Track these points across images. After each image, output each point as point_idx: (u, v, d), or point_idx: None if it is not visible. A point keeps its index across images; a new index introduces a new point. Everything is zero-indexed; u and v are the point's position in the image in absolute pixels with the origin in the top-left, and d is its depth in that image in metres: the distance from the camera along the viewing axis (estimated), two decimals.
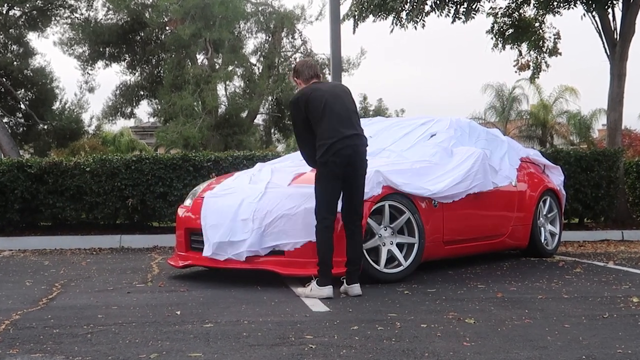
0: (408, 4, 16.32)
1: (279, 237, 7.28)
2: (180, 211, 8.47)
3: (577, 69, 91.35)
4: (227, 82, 33.69)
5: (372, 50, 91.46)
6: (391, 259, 7.63)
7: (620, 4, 15.52)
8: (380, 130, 9.80)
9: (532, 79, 18.51)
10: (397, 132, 9.61)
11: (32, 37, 31.64)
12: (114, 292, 6.95)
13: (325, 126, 6.80)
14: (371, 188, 7.37)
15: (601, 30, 15.76)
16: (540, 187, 10.10)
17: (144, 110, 39.32)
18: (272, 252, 7.35)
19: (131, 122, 43.75)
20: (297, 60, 7.23)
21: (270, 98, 35.97)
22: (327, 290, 6.59)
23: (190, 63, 32.62)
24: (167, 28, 31.74)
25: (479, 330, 5.02)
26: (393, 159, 8.69)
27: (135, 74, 33.92)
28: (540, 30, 17.31)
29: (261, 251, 7.33)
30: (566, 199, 11.68)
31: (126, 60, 33.29)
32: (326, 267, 6.65)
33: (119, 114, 34.45)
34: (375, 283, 7.30)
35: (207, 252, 7.58)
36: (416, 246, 7.76)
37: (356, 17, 16.49)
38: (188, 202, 8.41)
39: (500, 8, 17.29)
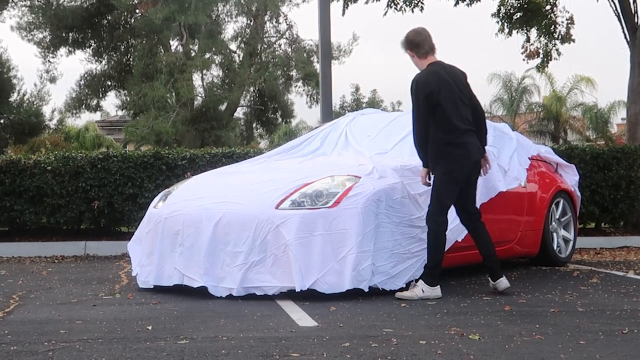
0: None
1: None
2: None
3: (593, 57, 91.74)
4: (204, 71, 33.73)
5: (365, 36, 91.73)
6: None
7: None
8: (379, 127, 9.62)
9: (540, 68, 18.52)
10: (399, 131, 9.30)
11: None
12: (78, 305, 6.93)
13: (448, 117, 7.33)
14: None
15: (620, 14, 15.79)
16: (552, 188, 10.11)
17: (111, 103, 39.49)
18: None
19: (97, 116, 43.77)
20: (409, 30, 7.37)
21: (251, 89, 35.97)
22: (439, 290, 7.32)
23: (162, 50, 32.61)
24: (137, 11, 31.74)
25: (484, 347, 5.02)
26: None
27: (101, 62, 33.90)
28: (552, 14, 17.36)
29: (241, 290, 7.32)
30: (581, 201, 11.70)
31: (92, 47, 33.27)
32: (438, 268, 7.36)
33: (83, 106, 34.42)
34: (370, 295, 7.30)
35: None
36: None
37: None
38: (160, 204, 8.38)
39: None
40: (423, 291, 7.21)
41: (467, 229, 7.79)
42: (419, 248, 7.60)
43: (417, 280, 7.35)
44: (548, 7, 17.31)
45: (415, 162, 7.91)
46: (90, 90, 33.99)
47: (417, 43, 7.54)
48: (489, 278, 7.62)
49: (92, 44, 32.98)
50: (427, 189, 7.63)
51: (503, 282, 7.50)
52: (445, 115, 7.29)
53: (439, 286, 7.31)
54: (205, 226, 7.44)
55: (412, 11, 16.53)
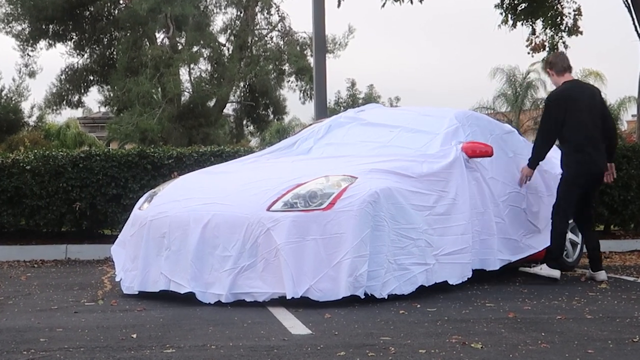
0: None
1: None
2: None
3: (602, 50, 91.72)
4: (192, 65, 33.69)
5: (362, 28, 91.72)
6: None
7: None
8: (378, 124, 9.47)
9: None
10: (399, 129, 9.18)
11: None
12: (59, 312, 6.93)
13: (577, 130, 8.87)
14: None
15: (630, 5, 15.80)
16: None
17: (93, 99, 39.48)
18: None
19: (79, 112, 43.73)
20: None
21: (242, 84, 35.92)
22: (558, 272, 8.90)
23: (148, 43, 32.58)
24: (121, 2, 31.67)
25: (487, 357, 5.02)
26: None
27: (83, 55, 33.84)
28: (558, 5, 17.37)
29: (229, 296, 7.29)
30: None
31: (73, 40, 33.21)
32: (560, 254, 9.16)
33: (64, 102, 34.37)
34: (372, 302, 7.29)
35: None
36: None
37: None
38: (145, 205, 8.37)
39: None
40: (541, 269, 8.88)
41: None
42: (407, 261, 7.51)
43: (541, 263, 8.96)
44: None
45: (415, 170, 7.94)
46: (72, 85, 33.94)
47: (554, 62, 9.15)
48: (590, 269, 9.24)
49: (74, 37, 32.93)
50: (426, 204, 7.81)
51: (602, 274, 9.13)
52: (570, 128, 8.80)
53: (559, 270, 8.94)
54: (193, 229, 7.42)
55: (412, 2, 16.54)
